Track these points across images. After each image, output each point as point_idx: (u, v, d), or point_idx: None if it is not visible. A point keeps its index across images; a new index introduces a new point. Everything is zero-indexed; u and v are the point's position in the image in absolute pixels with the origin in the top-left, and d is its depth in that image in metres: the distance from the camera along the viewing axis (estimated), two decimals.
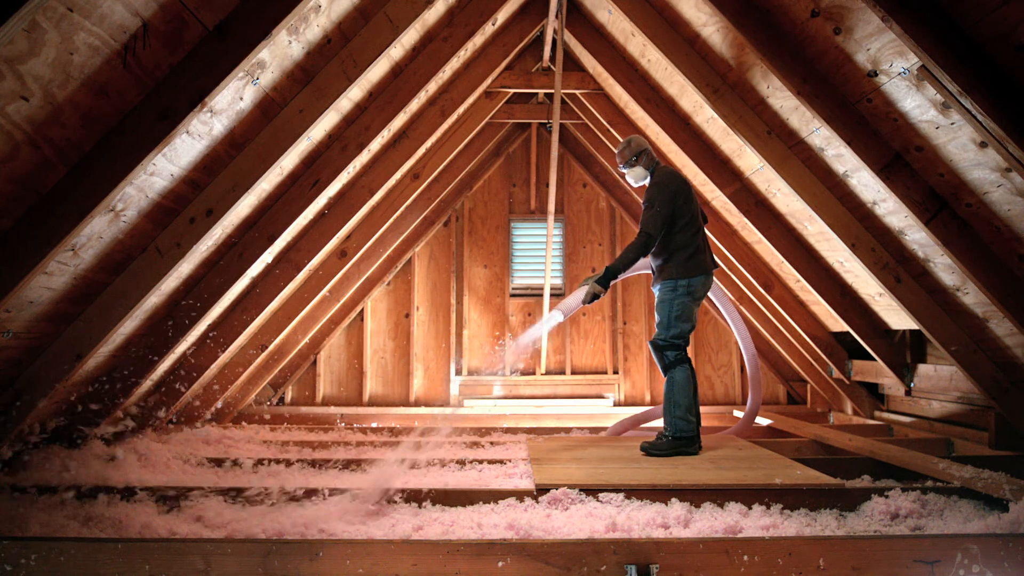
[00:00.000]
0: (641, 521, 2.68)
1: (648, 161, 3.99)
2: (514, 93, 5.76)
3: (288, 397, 6.31)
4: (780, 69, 3.34)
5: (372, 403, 6.34)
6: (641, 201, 6.13)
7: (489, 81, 5.16)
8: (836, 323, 5.05)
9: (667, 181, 3.88)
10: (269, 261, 4.36)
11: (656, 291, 3.99)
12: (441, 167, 5.50)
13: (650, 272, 4.12)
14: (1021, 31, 2.29)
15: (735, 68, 3.84)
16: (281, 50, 2.99)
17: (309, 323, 5.63)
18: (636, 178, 4.02)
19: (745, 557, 2.24)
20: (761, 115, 3.92)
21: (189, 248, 3.20)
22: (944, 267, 3.60)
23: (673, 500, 2.94)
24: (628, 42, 4.64)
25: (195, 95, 2.49)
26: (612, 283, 3.87)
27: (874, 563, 2.26)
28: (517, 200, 6.60)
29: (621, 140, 5.51)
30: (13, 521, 2.65)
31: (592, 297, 3.76)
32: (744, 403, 6.25)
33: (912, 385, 4.61)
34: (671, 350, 3.86)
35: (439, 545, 2.24)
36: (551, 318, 3.82)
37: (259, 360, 5.21)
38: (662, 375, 3.95)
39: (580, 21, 4.86)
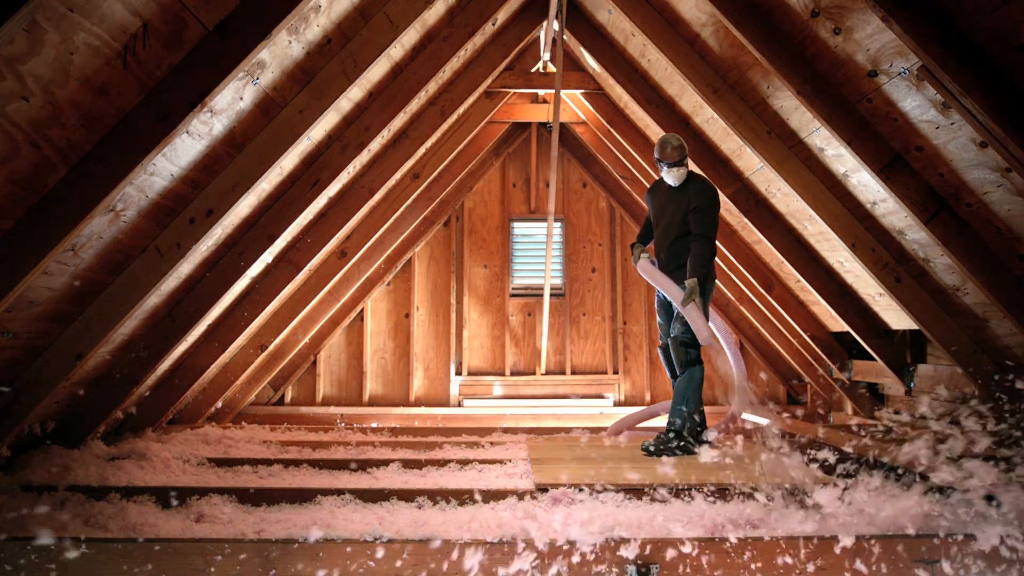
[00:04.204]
0: (641, 521, 2.68)
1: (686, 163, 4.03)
2: (514, 93, 5.76)
3: (288, 397, 6.31)
4: (780, 69, 3.34)
5: (372, 403, 6.34)
6: (642, 202, 6.14)
7: (489, 81, 5.16)
8: (836, 323, 5.05)
9: (715, 189, 4.04)
10: (269, 261, 4.36)
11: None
12: (441, 167, 5.50)
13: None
14: (1021, 31, 2.29)
15: (735, 68, 3.84)
16: (281, 50, 2.99)
17: (309, 323, 5.63)
18: (678, 178, 3.99)
19: (745, 556, 2.24)
20: (761, 115, 3.92)
21: (189, 248, 3.20)
22: (944, 267, 3.60)
23: (673, 499, 2.94)
24: (628, 42, 4.64)
25: (195, 95, 2.49)
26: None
27: (874, 563, 2.26)
28: (517, 200, 6.60)
29: (624, 141, 5.52)
30: (13, 521, 2.64)
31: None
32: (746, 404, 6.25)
33: (912, 385, 4.60)
34: (694, 348, 3.93)
35: (439, 545, 2.24)
36: (727, 343, 3.88)
37: (259, 360, 5.21)
38: (677, 372, 3.96)
39: (580, 21, 4.86)
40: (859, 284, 4.46)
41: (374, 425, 5.53)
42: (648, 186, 4.77)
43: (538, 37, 5.41)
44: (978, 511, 2.47)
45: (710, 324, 4.34)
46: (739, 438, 3.69)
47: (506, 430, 4.99)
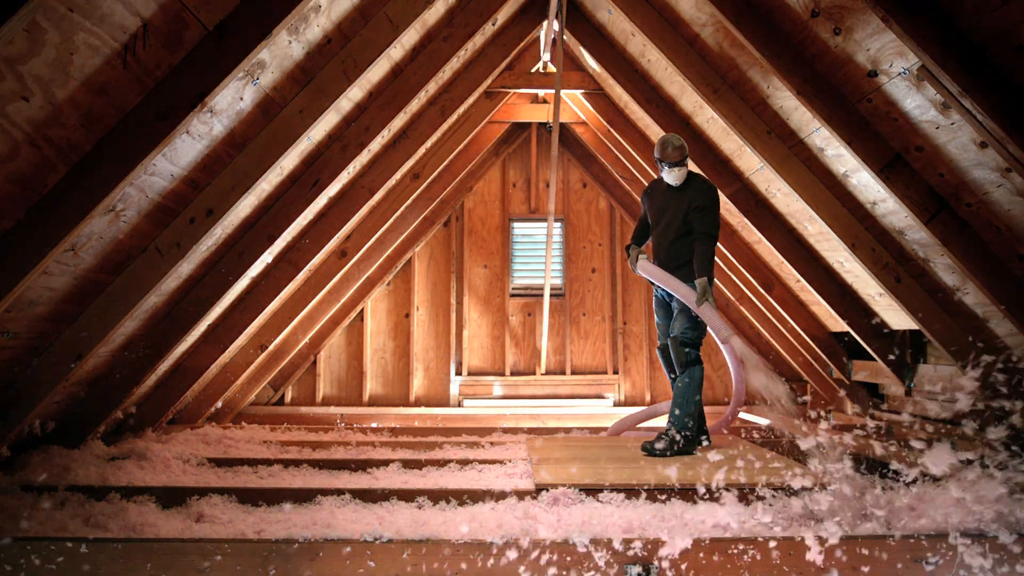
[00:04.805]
0: (641, 521, 2.68)
1: (687, 163, 4.02)
2: (514, 93, 5.76)
3: (288, 397, 6.31)
4: (780, 69, 3.34)
5: (372, 403, 6.34)
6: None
7: (489, 81, 5.16)
8: (836, 323, 5.05)
9: (715, 187, 4.04)
10: (269, 261, 4.36)
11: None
12: (441, 167, 5.50)
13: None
14: (1021, 31, 2.29)
15: (735, 68, 3.84)
16: (281, 50, 2.99)
17: (309, 323, 5.63)
18: (679, 177, 3.97)
19: (745, 556, 2.24)
20: (761, 115, 3.92)
21: (189, 248, 3.20)
22: (944, 267, 3.60)
23: (673, 499, 2.94)
24: (628, 42, 4.64)
25: (195, 95, 2.49)
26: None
27: (874, 563, 2.25)
28: (517, 200, 6.60)
29: (624, 141, 5.52)
30: (13, 521, 2.65)
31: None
32: (743, 403, 6.24)
33: (912, 385, 4.60)
34: (694, 348, 3.93)
35: (439, 545, 2.24)
36: (727, 341, 3.89)
37: (259, 360, 5.21)
38: (676, 372, 3.94)
39: (580, 21, 4.86)
40: (859, 284, 4.46)
41: (374, 425, 5.53)
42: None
43: (538, 37, 5.41)
44: None
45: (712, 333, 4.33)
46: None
47: (506, 430, 4.98)
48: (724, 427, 4.62)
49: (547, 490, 2.99)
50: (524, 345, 6.50)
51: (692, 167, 4.79)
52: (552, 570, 2.22)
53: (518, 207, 6.59)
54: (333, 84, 3.34)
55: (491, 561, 2.23)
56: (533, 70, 5.62)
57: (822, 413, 5.73)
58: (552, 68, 5.48)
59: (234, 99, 2.92)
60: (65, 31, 1.99)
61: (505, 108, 5.90)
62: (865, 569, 2.26)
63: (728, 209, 5.06)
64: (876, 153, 3.30)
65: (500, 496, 3.03)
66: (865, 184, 3.64)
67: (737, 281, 5.78)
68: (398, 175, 5.04)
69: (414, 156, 4.82)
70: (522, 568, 2.22)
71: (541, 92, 5.98)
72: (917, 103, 2.95)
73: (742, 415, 5.72)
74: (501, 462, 3.77)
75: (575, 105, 5.96)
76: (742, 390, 4.54)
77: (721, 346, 4.60)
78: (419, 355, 6.44)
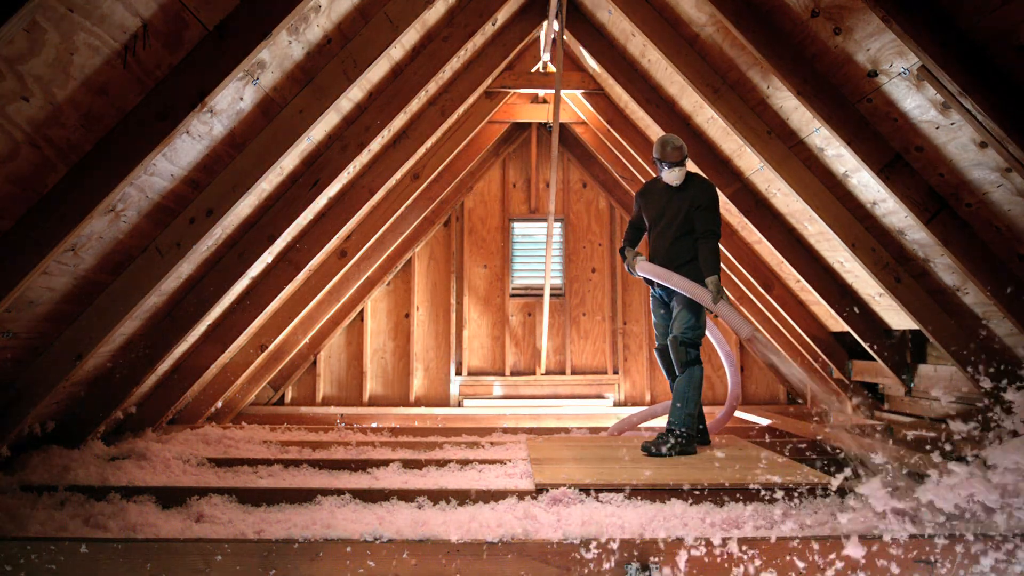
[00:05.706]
0: (641, 521, 2.68)
1: (686, 163, 4.02)
2: (514, 93, 5.76)
3: (288, 397, 6.31)
4: (780, 69, 3.34)
5: (372, 403, 6.34)
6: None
7: (489, 81, 5.16)
8: (836, 323, 5.05)
9: (714, 186, 4.05)
10: (269, 261, 4.36)
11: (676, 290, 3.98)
12: (441, 167, 5.50)
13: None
14: (1021, 31, 2.29)
15: (735, 68, 3.84)
16: (281, 50, 2.99)
17: (309, 323, 5.63)
18: (678, 177, 3.97)
19: (744, 556, 2.24)
20: (761, 115, 3.92)
21: (189, 248, 3.20)
22: (944, 267, 3.60)
23: (673, 500, 2.94)
24: (628, 42, 4.64)
25: (195, 95, 2.49)
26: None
27: (874, 563, 2.26)
28: (517, 200, 6.60)
29: (624, 141, 5.52)
30: (13, 521, 2.65)
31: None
32: (744, 403, 6.26)
33: (912, 385, 4.60)
34: (694, 347, 3.93)
35: (439, 545, 2.24)
36: (721, 349, 3.89)
37: (259, 360, 5.21)
38: (676, 372, 3.94)
39: (580, 21, 4.86)
40: (859, 284, 4.46)
41: (374, 425, 5.53)
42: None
43: (538, 37, 5.41)
44: None
45: (707, 332, 4.34)
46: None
47: (506, 430, 4.98)
48: (720, 427, 4.63)
49: (547, 490, 2.99)
50: (524, 345, 6.50)
51: (691, 167, 4.80)
52: (552, 570, 2.22)
53: (518, 207, 6.60)
54: (333, 84, 3.34)
55: (491, 561, 2.23)
56: (533, 70, 5.62)
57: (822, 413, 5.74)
58: (552, 68, 5.48)
59: (234, 99, 2.92)
60: (65, 31, 1.99)
61: (505, 108, 5.90)
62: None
63: (728, 209, 5.06)
64: (876, 153, 3.30)
65: (500, 496, 3.03)
66: (865, 184, 3.64)
67: (737, 281, 5.78)
68: (398, 175, 5.05)
69: (414, 156, 4.82)
70: (522, 568, 2.22)
71: (541, 92, 5.98)
72: (917, 103, 2.95)
73: (742, 415, 5.73)
74: (501, 462, 3.77)
75: (575, 105, 5.96)
76: (738, 389, 4.54)
77: (717, 347, 4.61)
78: (419, 355, 6.44)
